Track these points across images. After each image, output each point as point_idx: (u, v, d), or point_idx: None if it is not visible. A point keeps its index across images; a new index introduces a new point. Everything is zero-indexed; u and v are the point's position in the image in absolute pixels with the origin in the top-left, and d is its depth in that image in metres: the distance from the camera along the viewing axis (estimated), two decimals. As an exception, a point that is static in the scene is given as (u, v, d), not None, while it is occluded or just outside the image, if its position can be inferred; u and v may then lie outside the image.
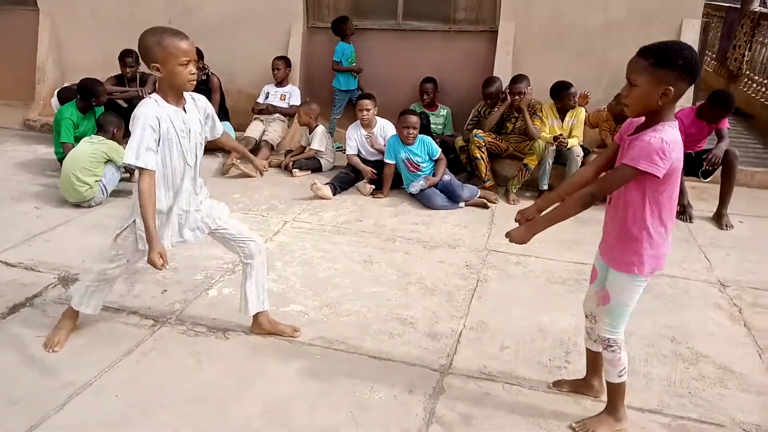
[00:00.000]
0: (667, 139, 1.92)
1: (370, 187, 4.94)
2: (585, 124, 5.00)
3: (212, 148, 5.93)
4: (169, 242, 2.58)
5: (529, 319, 3.14)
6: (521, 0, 5.57)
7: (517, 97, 4.95)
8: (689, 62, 1.91)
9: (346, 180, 5.04)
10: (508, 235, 2.21)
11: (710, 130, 4.69)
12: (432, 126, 5.66)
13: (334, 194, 4.85)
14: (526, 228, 2.19)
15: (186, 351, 2.78)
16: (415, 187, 4.76)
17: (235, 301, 3.22)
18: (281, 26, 6.25)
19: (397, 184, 5.00)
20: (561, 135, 4.79)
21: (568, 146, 4.76)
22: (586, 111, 4.99)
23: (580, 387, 2.56)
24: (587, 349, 2.51)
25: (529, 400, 2.51)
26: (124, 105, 5.73)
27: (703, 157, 4.51)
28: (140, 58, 2.47)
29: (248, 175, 5.25)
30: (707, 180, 4.65)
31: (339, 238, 4.08)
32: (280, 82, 5.97)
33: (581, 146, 4.94)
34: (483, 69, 5.65)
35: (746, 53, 7.57)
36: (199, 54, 5.83)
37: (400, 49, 6.15)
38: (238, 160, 5.27)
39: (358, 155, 5.17)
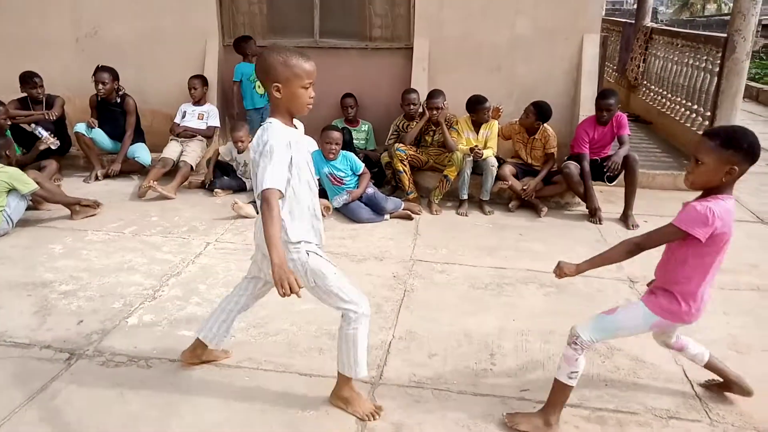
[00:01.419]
0: (715, 209, 2.12)
1: (294, 204, 4.91)
2: (498, 136, 5.22)
3: (128, 170, 5.73)
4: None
5: (455, 325, 3.23)
6: (434, 19, 5.76)
7: (434, 112, 5.11)
8: (753, 146, 2.12)
9: (269, 198, 4.98)
10: (558, 266, 2.39)
11: (613, 137, 5.04)
12: (354, 141, 5.72)
13: (257, 212, 4.78)
14: (576, 266, 2.37)
15: (106, 383, 2.65)
16: (338, 201, 4.79)
17: (158, 327, 3.12)
18: (196, 44, 6.14)
19: (323, 199, 5.01)
20: (477, 146, 4.97)
21: (484, 157, 4.95)
22: (498, 124, 5.21)
23: (726, 388, 2.65)
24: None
25: (457, 404, 2.58)
26: (29, 129, 5.42)
27: (605, 163, 4.82)
28: (257, 76, 2.21)
29: (166, 197, 5.09)
30: (613, 184, 4.98)
31: (264, 257, 4.03)
32: (198, 101, 5.85)
33: (496, 157, 5.16)
34: (401, 85, 5.78)
35: (641, 64, 8.17)
36: (114, 74, 5.63)
37: (318, 67, 6.09)
38: (155, 182, 5.11)
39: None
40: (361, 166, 4.95)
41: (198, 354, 2.75)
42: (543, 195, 5.09)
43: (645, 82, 8.24)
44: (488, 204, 5.07)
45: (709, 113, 5.79)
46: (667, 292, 2.33)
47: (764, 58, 16.53)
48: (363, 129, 5.86)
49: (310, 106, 2.22)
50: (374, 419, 2.44)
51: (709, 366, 2.63)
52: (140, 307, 3.34)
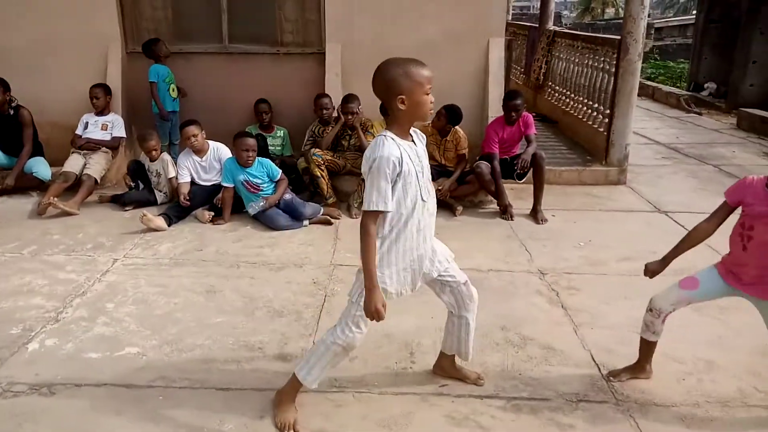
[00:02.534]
0: None
1: (209, 214, 4.78)
2: (414, 137, 5.30)
3: (26, 186, 5.36)
4: (398, 292, 2.37)
5: (376, 326, 3.19)
6: (344, 24, 5.78)
7: (349, 116, 5.13)
8: None
9: (181, 208, 4.82)
10: (645, 269, 2.69)
11: (521, 137, 5.25)
12: (270, 147, 5.64)
13: (169, 225, 4.62)
14: (660, 262, 2.67)
15: (3, 415, 2.46)
16: (254, 208, 4.71)
17: (62, 352, 2.94)
18: (97, 51, 5.84)
19: (240, 208, 4.90)
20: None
21: (400, 159, 5.01)
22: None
23: (635, 371, 2.80)
24: (643, 339, 2.75)
25: (379, 404, 2.59)
26: None
27: (514, 161, 5.02)
28: (376, 92, 2.20)
29: (69, 213, 4.81)
30: (522, 181, 5.18)
31: (177, 271, 3.89)
32: (101, 111, 5.56)
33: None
34: (315, 90, 5.75)
35: (543, 66, 8.57)
36: (4, 85, 5.25)
37: (229, 72, 6.06)
38: (56, 198, 4.82)
39: (193, 182, 4.99)
40: (279, 172, 4.88)
41: (444, 367, 2.80)
42: (457, 195, 5.22)
43: (549, 83, 8.65)
44: (406, 205, 5.13)
45: (608, 111, 6.14)
46: None
47: (658, 59, 17.77)
48: (278, 135, 5.79)
49: (433, 112, 2.26)
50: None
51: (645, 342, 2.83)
52: (42, 332, 3.12)
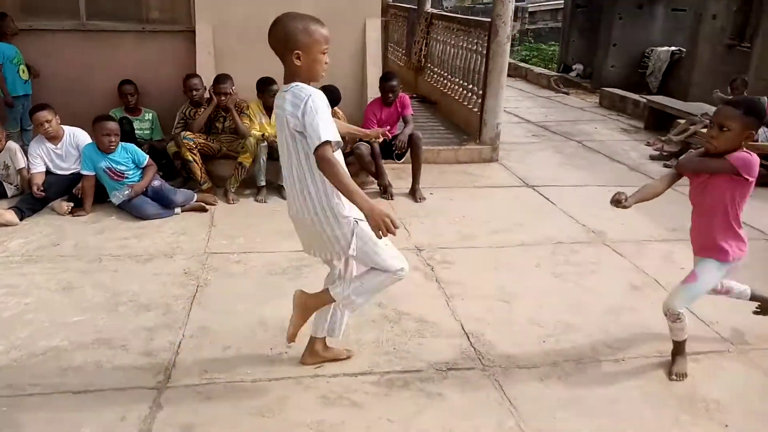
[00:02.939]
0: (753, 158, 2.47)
1: (67, 205, 4.40)
2: (292, 119, 5.20)
3: None
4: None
5: (251, 315, 3.17)
6: (215, 1, 5.52)
7: (222, 97, 4.92)
8: (763, 113, 2.54)
9: (35, 200, 4.40)
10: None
11: (398, 117, 5.31)
12: (137, 132, 5.29)
13: (21, 219, 4.21)
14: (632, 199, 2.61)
15: None
16: (118, 197, 4.40)
17: None
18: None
19: (104, 197, 4.56)
20: (264, 135, 4.91)
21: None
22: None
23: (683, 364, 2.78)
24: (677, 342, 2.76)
25: (251, 393, 2.54)
26: None
27: (392, 142, 5.08)
28: (272, 44, 2.17)
29: None
30: (401, 161, 5.27)
31: (30, 268, 3.56)
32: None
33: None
34: (185, 70, 5.45)
35: (423, 48, 8.74)
36: None
37: (88, 52, 5.59)
38: None
39: (48, 171, 4.57)
40: (146, 158, 4.59)
41: (317, 351, 2.72)
42: (338, 176, 5.20)
43: (429, 65, 8.84)
44: (286, 189, 5.05)
45: (481, 92, 6.38)
46: (733, 239, 2.60)
47: (532, 41, 18.77)
48: (146, 118, 5.43)
49: (324, 73, 2.23)
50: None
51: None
52: None
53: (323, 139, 2.05)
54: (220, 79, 4.97)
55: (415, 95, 8.61)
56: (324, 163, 2.06)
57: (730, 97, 6.05)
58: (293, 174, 2.27)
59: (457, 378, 2.69)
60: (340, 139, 2.15)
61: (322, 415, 2.40)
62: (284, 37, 2.13)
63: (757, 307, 3.07)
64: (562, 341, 3.01)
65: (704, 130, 6.29)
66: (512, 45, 18.80)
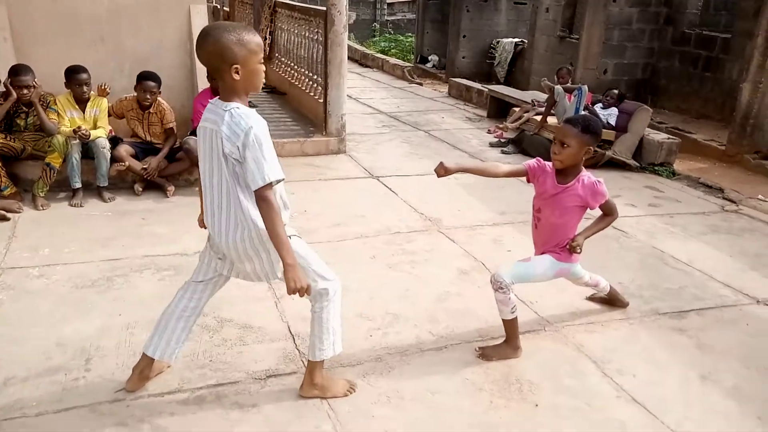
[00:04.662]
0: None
1: None
2: (110, 114, 4.73)
3: None
4: None
5: (47, 337, 2.79)
6: (9, -20, 4.85)
7: (24, 91, 4.33)
8: (599, 129, 2.77)
9: None
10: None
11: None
12: None
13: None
14: (455, 165, 2.64)
15: None
16: None
17: None
18: None
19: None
20: (80, 127, 4.40)
21: (92, 138, 4.42)
22: (108, 101, 4.71)
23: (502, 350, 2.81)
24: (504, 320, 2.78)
25: (34, 430, 2.20)
26: None
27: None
28: (203, 61, 2.07)
29: None
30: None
31: None
32: None
33: (116, 137, 4.71)
34: (-21, 59, 4.75)
35: (268, 36, 8.45)
36: None
37: None
38: None
39: None
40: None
41: (146, 375, 2.44)
42: (168, 173, 4.82)
43: (277, 55, 8.56)
44: (108, 190, 4.58)
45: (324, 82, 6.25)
46: (564, 246, 2.78)
47: (392, 32, 19.05)
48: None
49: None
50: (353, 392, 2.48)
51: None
52: None
53: (267, 181, 1.98)
54: (19, 70, 4.36)
55: (264, 85, 8.29)
56: (264, 204, 2.01)
57: (556, 86, 6.45)
58: (222, 194, 2.13)
59: (277, 385, 2.54)
60: (284, 176, 2.06)
61: (115, 446, 2.14)
62: (219, 51, 1.99)
63: (592, 296, 3.33)
64: (389, 334, 2.97)
65: (537, 117, 6.71)
66: (372, 35, 19.13)
